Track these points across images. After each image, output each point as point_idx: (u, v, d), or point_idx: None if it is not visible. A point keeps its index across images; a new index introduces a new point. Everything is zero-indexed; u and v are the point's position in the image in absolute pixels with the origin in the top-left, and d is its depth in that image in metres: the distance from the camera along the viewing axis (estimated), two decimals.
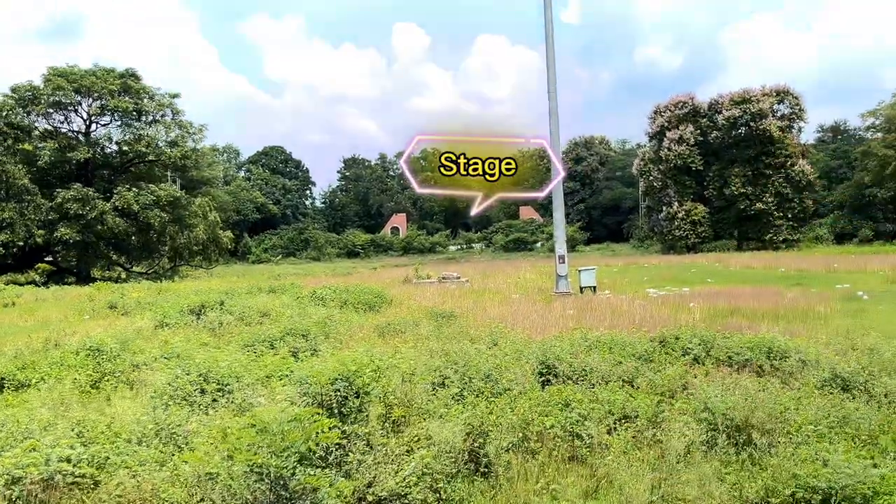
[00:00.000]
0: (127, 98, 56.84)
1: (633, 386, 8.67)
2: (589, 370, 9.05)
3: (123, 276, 61.65)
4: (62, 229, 52.42)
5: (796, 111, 74.31)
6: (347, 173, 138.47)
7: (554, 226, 30.81)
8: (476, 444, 6.27)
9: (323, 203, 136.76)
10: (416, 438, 6.15)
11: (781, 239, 71.33)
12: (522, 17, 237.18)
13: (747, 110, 71.45)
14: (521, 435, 6.64)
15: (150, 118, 59.68)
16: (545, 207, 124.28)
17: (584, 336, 10.96)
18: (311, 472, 5.02)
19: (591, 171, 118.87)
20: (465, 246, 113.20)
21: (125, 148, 60.02)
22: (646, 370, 9.15)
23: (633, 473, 5.88)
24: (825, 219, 79.76)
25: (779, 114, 74.23)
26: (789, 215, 72.00)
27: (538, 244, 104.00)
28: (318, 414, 5.60)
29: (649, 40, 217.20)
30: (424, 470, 5.56)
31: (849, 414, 6.55)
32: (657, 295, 27.10)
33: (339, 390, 6.20)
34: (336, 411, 6.09)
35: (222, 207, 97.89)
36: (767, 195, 71.44)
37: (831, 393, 7.87)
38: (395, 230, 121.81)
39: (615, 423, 7.06)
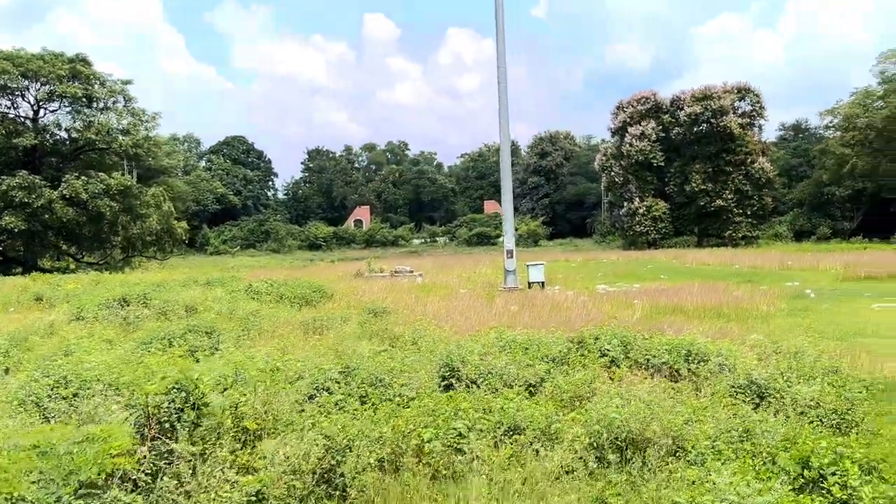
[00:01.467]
0: (76, 84, 55.06)
1: (536, 392, 8.03)
2: (495, 373, 8.39)
3: (73, 266, 60.02)
4: (7, 217, 50.67)
5: (757, 108, 74.62)
6: (311, 165, 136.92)
7: (503, 219, 30.15)
8: (334, 462, 5.57)
9: (285, 195, 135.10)
10: (261, 457, 5.43)
11: (741, 236, 71.58)
12: (489, 11, 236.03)
13: (708, 107, 71.54)
14: (390, 450, 5.94)
15: (102, 105, 57.96)
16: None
17: (500, 335, 10.30)
18: None
19: (556, 166, 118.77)
20: (429, 240, 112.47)
21: (75, 135, 58.24)
22: (556, 374, 8.52)
23: (493, 497, 5.24)
24: (785, 216, 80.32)
25: (740, 111, 74.47)
26: (749, 212, 72.28)
27: (501, 238, 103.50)
28: (149, 428, 4.86)
29: (619, 37, 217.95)
30: (254, 497, 4.85)
31: (752, 427, 5.96)
32: (606, 291, 26.65)
33: (173, 401, 5.45)
34: (169, 426, 5.34)
35: (180, 197, 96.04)
36: (727, 192, 71.65)
37: (742, 401, 7.30)
38: (358, 223, 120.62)
39: (503, 436, 6.40)
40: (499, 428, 6.48)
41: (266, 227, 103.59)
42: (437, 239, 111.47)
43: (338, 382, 7.84)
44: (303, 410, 6.68)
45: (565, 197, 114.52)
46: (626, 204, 76.62)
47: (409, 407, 7.09)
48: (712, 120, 72.05)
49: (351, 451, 5.70)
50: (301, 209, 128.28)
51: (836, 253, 46.73)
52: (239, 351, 11.06)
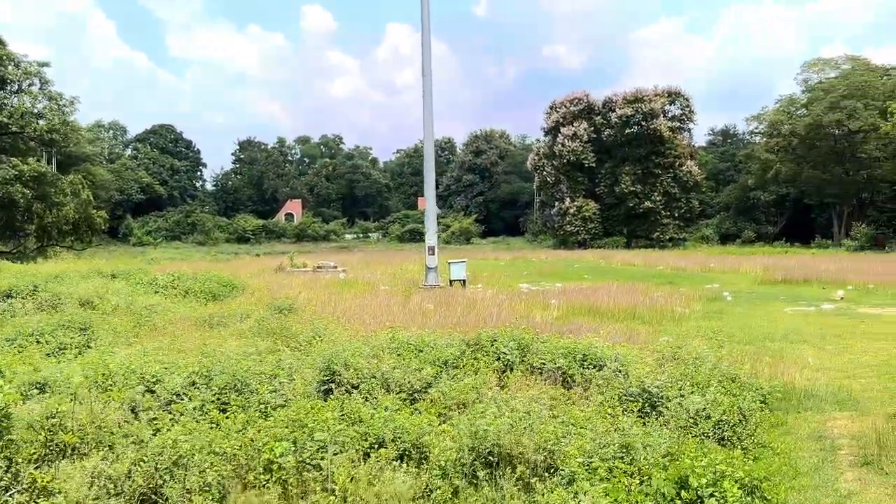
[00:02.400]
0: None
1: (419, 398, 7.47)
2: (379, 378, 7.80)
3: None
4: None
5: (686, 113, 75.86)
6: (242, 156, 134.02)
7: (425, 215, 29.61)
8: (160, 483, 4.90)
9: (214, 186, 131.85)
10: (65, 478, 4.71)
11: (668, 238, 72.68)
12: (431, 7, 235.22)
13: (639, 109, 72.38)
14: (231, 467, 5.29)
15: (16, 87, 55.35)
16: (444, 199, 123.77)
17: (394, 336, 9.71)
18: None
19: (491, 164, 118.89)
20: (361, 235, 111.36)
21: None
22: (445, 379, 7.98)
23: None
24: (712, 220, 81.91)
25: (670, 115, 75.57)
26: (676, 215, 73.43)
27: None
28: None
29: (557, 38, 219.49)
30: None
31: (632, 442, 5.51)
32: (528, 290, 26.36)
33: None
34: None
35: (103, 186, 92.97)
36: (656, 194, 72.63)
37: (632, 411, 6.88)
38: (289, 216, 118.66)
39: (370, 450, 5.81)
40: (365, 440, 5.88)
41: (192, 218, 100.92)
42: (370, 235, 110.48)
43: (198, 388, 7.14)
44: (138, 421, 5.97)
45: (499, 195, 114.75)
46: (557, 204, 76.99)
47: (271, 416, 6.44)
48: (643, 122, 72.93)
49: (186, 469, 5.03)
50: (230, 201, 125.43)
51: (758, 256, 47.63)
52: (120, 349, 10.26)
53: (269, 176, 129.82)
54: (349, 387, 7.75)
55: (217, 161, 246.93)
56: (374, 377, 7.88)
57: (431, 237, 27.99)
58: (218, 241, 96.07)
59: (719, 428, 6.77)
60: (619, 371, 8.10)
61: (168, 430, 5.73)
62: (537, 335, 9.70)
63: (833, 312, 19.17)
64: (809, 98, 68.69)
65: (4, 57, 53.72)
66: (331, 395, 7.63)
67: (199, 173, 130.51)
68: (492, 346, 9.23)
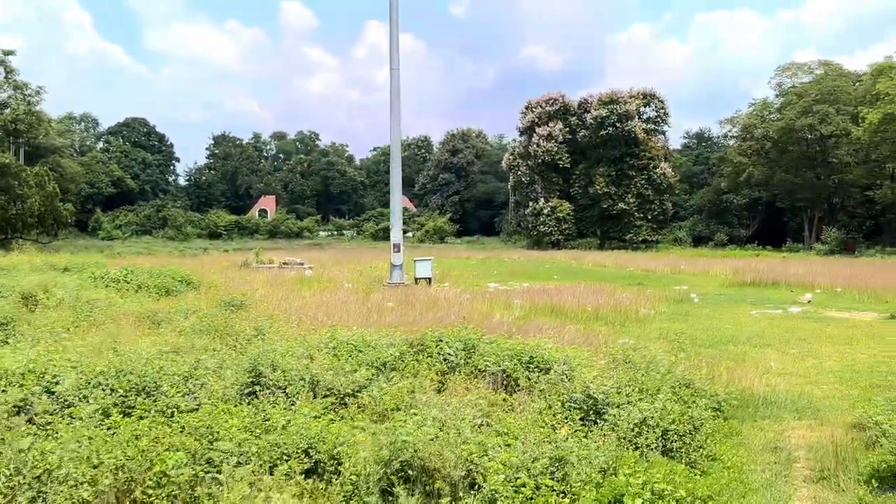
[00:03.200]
0: None
1: (349, 403, 6.91)
2: (308, 380, 7.24)
3: None
4: None
5: (661, 115, 75.80)
6: (216, 151, 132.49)
7: (391, 212, 29.05)
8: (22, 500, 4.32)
9: (187, 181, 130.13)
10: None
11: (641, 239, 72.57)
12: (410, 5, 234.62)
13: (614, 111, 72.14)
14: (112, 481, 4.72)
15: None
16: (420, 198, 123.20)
17: (333, 335, 9.15)
18: None
19: (467, 163, 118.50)
20: (336, 232, 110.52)
21: None
22: (381, 382, 7.44)
23: None
24: (685, 222, 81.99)
25: (644, 116, 75.50)
26: (649, 216, 73.33)
27: (409, 234, 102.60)
28: None
29: (534, 39, 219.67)
30: None
31: (566, 455, 5.00)
32: (495, 289, 25.90)
33: None
34: None
35: (72, 179, 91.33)
36: (630, 196, 72.48)
37: (574, 419, 6.39)
38: (263, 213, 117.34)
39: (278, 462, 5.25)
40: (274, 451, 5.32)
41: (163, 213, 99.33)
42: (344, 232, 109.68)
43: (102, 389, 6.54)
44: (31, 425, 5.37)
45: (475, 195, 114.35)
46: (531, 204, 76.62)
47: (177, 422, 5.86)
48: (618, 124, 72.69)
49: (58, 483, 4.45)
50: (203, 196, 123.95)
51: (729, 259, 47.55)
52: (40, 346, 9.61)
53: (243, 171, 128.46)
54: (275, 389, 7.19)
55: (191, 156, 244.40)
56: (304, 379, 7.31)
57: (396, 234, 27.40)
58: (189, 236, 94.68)
59: (666, 438, 6.28)
60: (566, 375, 7.59)
61: (54, 437, 5.14)
62: (485, 336, 9.17)
63: (800, 316, 18.86)
64: (783, 102, 68.92)
65: None
66: (254, 398, 7.09)
67: (171, 168, 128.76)
68: (437, 346, 8.71)
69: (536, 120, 77.09)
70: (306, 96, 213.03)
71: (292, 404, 6.70)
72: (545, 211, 74.83)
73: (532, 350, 8.19)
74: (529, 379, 7.67)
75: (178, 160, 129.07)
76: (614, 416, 6.43)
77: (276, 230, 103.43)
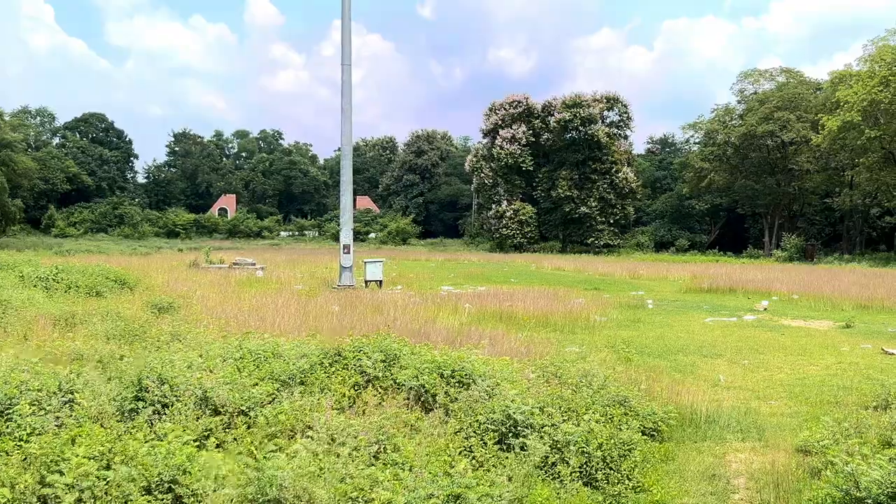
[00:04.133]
0: None
1: (235, 426, 6.14)
2: (199, 396, 6.45)
3: None
4: None
5: (624, 119, 75.75)
6: (177, 148, 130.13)
7: (340, 210, 28.21)
8: None
9: (146, 178, 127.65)
10: None
11: (603, 244, 72.42)
12: (379, 6, 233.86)
13: (578, 114, 71.85)
14: None
15: None
16: (383, 199, 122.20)
17: (241, 343, 8.35)
18: None
19: (432, 165, 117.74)
20: (297, 233, 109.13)
21: None
22: (283, 398, 6.67)
23: None
24: (647, 227, 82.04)
25: (608, 120, 75.40)
26: (611, 220, 73.22)
27: (371, 235, 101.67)
28: None
29: (502, 42, 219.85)
30: None
31: (464, 493, 4.29)
32: (448, 293, 25.19)
33: None
34: None
35: (25, 174, 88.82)
36: (592, 200, 72.27)
37: (485, 445, 5.68)
38: (223, 211, 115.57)
39: (129, 500, 4.47)
40: (121, 486, 4.53)
41: (120, 210, 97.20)
42: (306, 232, 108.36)
43: None
44: None
45: (439, 197, 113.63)
46: (494, 206, 76.12)
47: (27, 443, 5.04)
48: (581, 127, 72.50)
49: None
50: (162, 194, 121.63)
51: (689, 264, 47.38)
52: None
53: (203, 170, 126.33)
54: (159, 406, 6.38)
55: (152, 153, 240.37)
56: (195, 395, 6.51)
57: (346, 235, 26.57)
58: (146, 234, 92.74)
59: (590, 466, 5.60)
60: (488, 391, 6.88)
61: None
62: (416, 345, 8.44)
63: (754, 324, 18.40)
64: (744, 109, 69.18)
65: None
66: (136, 415, 6.28)
67: (130, 165, 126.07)
68: (354, 357, 7.95)
69: (500, 122, 76.61)
70: (271, 94, 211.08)
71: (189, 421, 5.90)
72: (508, 214, 74.38)
73: (455, 362, 7.46)
74: (448, 395, 6.94)
75: (136, 157, 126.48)
76: (533, 440, 5.72)
77: (235, 229, 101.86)
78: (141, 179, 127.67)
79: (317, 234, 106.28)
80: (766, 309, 21.66)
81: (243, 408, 6.40)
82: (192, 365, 7.29)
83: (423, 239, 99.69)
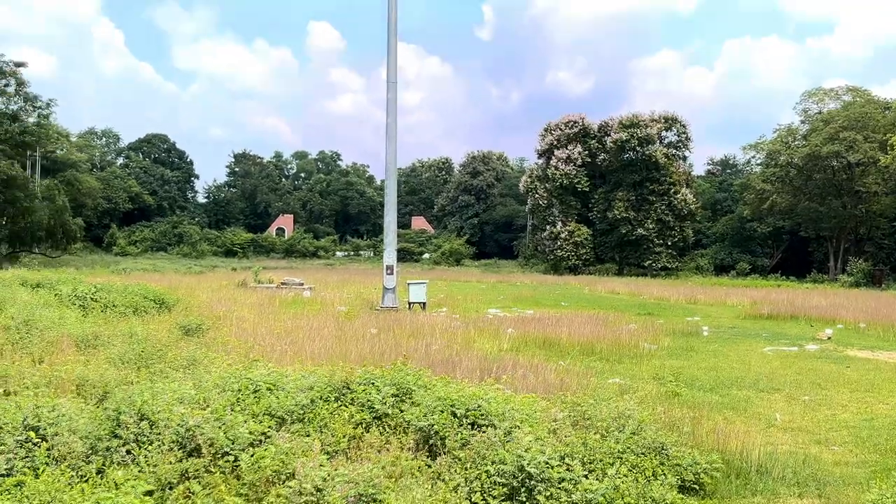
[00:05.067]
0: None
1: (211, 471, 5.48)
2: (181, 434, 5.82)
3: None
4: None
5: (683, 139, 74.09)
6: (237, 169, 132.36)
7: (385, 231, 27.71)
8: None
9: (206, 198, 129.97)
10: None
11: (660, 266, 70.67)
12: (438, 29, 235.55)
13: (635, 134, 70.49)
14: None
15: None
16: (438, 219, 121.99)
17: (242, 374, 7.72)
18: None
19: (487, 186, 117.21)
20: (353, 253, 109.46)
21: None
22: (276, 436, 6.00)
23: None
24: (707, 250, 79.77)
25: (666, 141, 73.83)
26: (669, 243, 71.45)
27: (425, 255, 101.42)
28: None
29: (560, 64, 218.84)
30: None
31: None
32: (495, 316, 24.41)
33: None
34: None
35: (89, 193, 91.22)
36: (649, 221, 70.66)
37: (490, 503, 4.92)
38: (280, 231, 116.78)
39: None
40: None
41: (179, 229, 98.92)
42: (361, 252, 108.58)
43: None
44: None
45: (494, 217, 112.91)
46: (548, 227, 75.04)
47: None
48: (638, 148, 71.08)
49: None
50: (222, 214, 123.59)
51: (749, 289, 45.67)
52: None
53: (262, 190, 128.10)
54: (135, 445, 5.76)
55: (212, 174, 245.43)
56: (178, 432, 5.88)
57: (390, 255, 26.05)
58: (204, 253, 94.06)
59: None
60: (509, 433, 6.09)
61: None
62: (425, 376, 7.69)
63: (817, 354, 17.14)
64: (808, 128, 66.84)
65: None
66: (109, 457, 5.67)
67: (191, 184, 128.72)
68: (364, 390, 7.25)
69: (555, 142, 75.70)
70: (331, 116, 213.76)
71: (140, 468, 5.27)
72: (563, 235, 73.23)
73: (471, 400, 6.69)
74: (460, 438, 6.17)
75: (197, 177, 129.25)
76: (547, 498, 4.92)
77: (292, 249, 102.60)
78: (201, 199, 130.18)
79: (371, 254, 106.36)
80: (830, 338, 20.29)
81: (227, 449, 5.74)
82: (182, 398, 6.68)
83: (478, 260, 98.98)
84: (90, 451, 5.71)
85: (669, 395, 11.04)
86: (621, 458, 5.79)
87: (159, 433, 5.87)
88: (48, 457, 5.38)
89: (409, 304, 25.40)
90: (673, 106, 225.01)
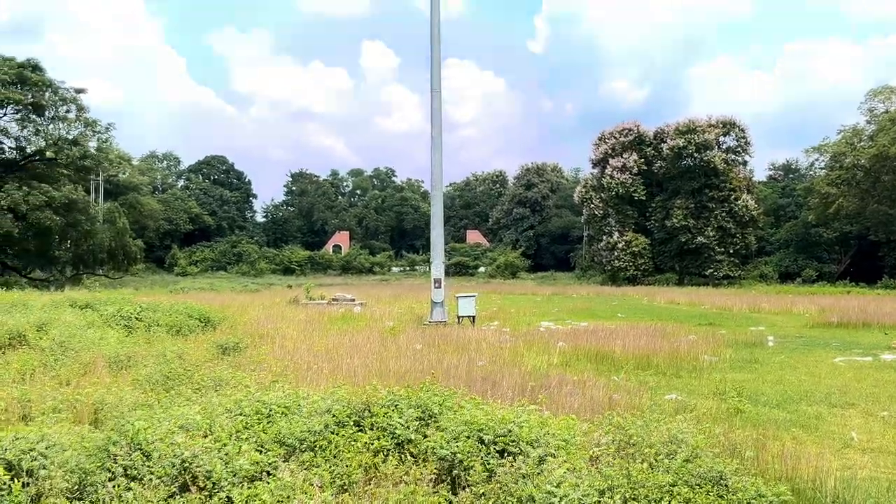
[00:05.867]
0: (23, 89, 52.14)
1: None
2: (177, 467, 5.26)
3: (23, 283, 56.38)
4: None
5: (742, 144, 71.94)
6: (294, 188, 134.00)
7: (431, 243, 27.12)
8: None
9: (265, 217, 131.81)
10: None
11: (722, 275, 68.63)
12: (491, 45, 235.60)
13: (692, 140, 68.73)
14: None
15: (52, 113, 54.95)
16: (494, 232, 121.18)
17: (250, 395, 7.12)
18: None
19: (542, 197, 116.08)
20: (408, 268, 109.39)
21: (23, 143, 55.35)
22: (283, 468, 5.40)
23: None
24: (771, 257, 77.21)
25: (724, 146, 71.82)
26: (731, 251, 69.33)
27: (481, 269, 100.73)
28: None
29: (615, 74, 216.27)
30: None
31: None
32: (547, 329, 23.56)
33: None
34: None
35: (151, 216, 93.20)
36: (709, 229, 68.71)
37: None
38: (336, 248, 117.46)
39: None
40: None
41: (238, 249, 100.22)
42: (417, 267, 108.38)
43: None
44: None
45: (550, 229, 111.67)
46: (605, 238, 73.61)
47: None
48: (696, 154, 69.29)
49: None
50: (280, 232, 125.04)
51: (816, 296, 43.80)
52: None
53: (319, 208, 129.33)
54: (124, 480, 5.21)
55: (271, 193, 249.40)
56: (173, 464, 5.32)
57: (437, 268, 25.43)
58: (263, 271, 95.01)
59: None
60: (540, 464, 5.36)
61: None
62: (454, 397, 6.99)
63: (893, 364, 15.88)
64: (875, 129, 64.12)
65: (41, 83, 53.43)
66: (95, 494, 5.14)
67: (249, 204, 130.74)
68: (385, 414, 6.60)
69: (610, 151, 74.36)
70: (386, 134, 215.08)
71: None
72: (620, 245, 71.73)
73: (502, 423, 5.97)
74: (487, 467, 5.46)
75: (255, 197, 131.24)
76: None
77: (348, 265, 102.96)
78: (259, 218, 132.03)
79: (426, 269, 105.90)
80: None
81: (224, 483, 5.14)
82: (185, 424, 6.13)
83: (534, 272, 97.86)
84: (78, 487, 5.18)
85: (731, 412, 10.15)
86: (671, 492, 5.01)
87: (151, 466, 5.31)
88: (28, 496, 4.85)
89: (459, 318, 24.70)
90: (731, 112, 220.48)
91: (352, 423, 6.47)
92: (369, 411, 6.75)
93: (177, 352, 13.20)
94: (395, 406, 6.76)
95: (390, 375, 12.13)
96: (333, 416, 6.50)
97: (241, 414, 6.59)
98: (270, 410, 6.63)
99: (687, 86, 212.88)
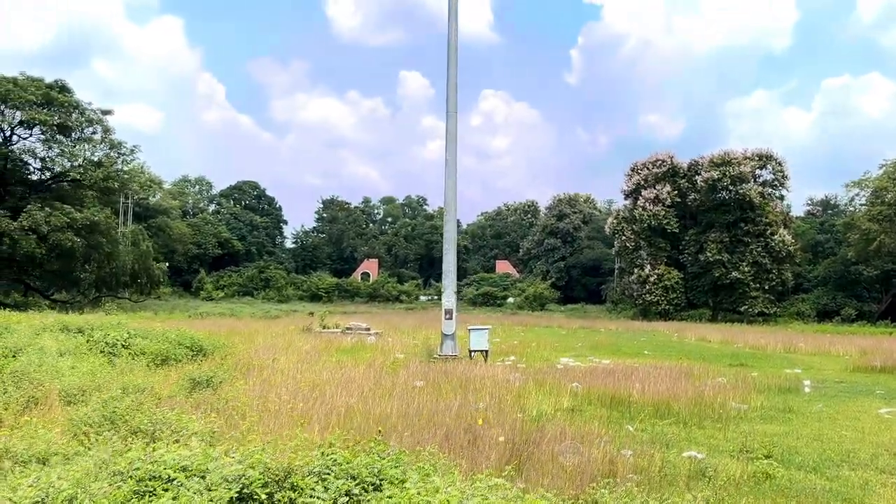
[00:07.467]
0: (50, 110, 52.11)
1: None
2: None
3: (45, 304, 56.00)
4: None
5: (779, 177, 69.82)
6: (325, 214, 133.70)
7: (443, 271, 25.79)
8: None
9: (294, 243, 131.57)
10: None
11: (757, 311, 66.26)
12: (526, 76, 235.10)
13: (727, 173, 66.81)
14: None
15: (78, 135, 54.89)
16: (524, 263, 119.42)
17: (139, 457, 5.81)
18: None
19: (574, 228, 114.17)
20: (435, 297, 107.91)
21: (48, 164, 55.29)
22: None
23: None
24: (809, 294, 74.52)
25: (760, 179, 69.76)
26: (766, 287, 66.96)
27: (510, 300, 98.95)
28: None
29: (651, 107, 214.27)
30: None
31: None
32: (565, 366, 22.05)
33: None
34: None
35: (180, 239, 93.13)
36: (744, 264, 66.50)
37: None
38: (365, 276, 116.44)
39: None
40: None
41: (266, 274, 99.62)
42: None
43: None
44: None
45: (581, 261, 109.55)
46: (636, 271, 71.59)
47: None
48: (731, 187, 67.32)
49: None
50: (309, 259, 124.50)
51: (856, 336, 41.61)
52: None
53: (349, 235, 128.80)
54: None
55: (302, 220, 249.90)
56: None
57: (448, 298, 24.07)
58: (290, 297, 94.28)
59: None
60: None
61: None
62: (404, 464, 5.60)
63: None
64: None
65: (67, 104, 53.42)
66: None
67: (279, 230, 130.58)
68: (311, 487, 5.22)
69: (642, 182, 72.67)
70: (420, 162, 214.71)
71: None
72: (651, 278, 69.70)
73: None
74: None
75: (286, 223, 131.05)
76: None
77: (375, 293, 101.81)
78: (289, 244, 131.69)
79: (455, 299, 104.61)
80: None
81: None
82: (49, 495, 4.81)
83: (564, 304, 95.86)
84: None
85: (759, 476, 8.61)
86: None
87: None
88: None
89: (471, 352, 23.22)
90: (768, 146, 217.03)
91: (263, 498, 5.09)
92: (289, 482, 5.37)
93: (141, 385, 12.00)
94: (327, 476, 5.38)
95: (373, 418, 10.79)
96: (242, 485, 5.13)
97: (130, 478, 5.25)
98: (170, 476, 5.27)
99: (723, 120, 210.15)
